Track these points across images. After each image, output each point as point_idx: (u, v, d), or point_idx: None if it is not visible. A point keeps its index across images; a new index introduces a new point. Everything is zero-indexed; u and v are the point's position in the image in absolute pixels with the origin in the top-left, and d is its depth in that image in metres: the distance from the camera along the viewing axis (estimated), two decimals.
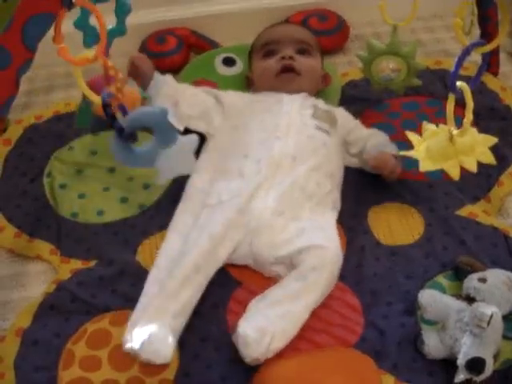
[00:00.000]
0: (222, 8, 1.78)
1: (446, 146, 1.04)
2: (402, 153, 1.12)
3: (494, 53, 1.52)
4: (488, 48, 0.97)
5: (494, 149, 1.33)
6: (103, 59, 0.93)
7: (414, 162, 1.19)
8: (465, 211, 1.30)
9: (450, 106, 1.01)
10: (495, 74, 1.61)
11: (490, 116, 1.47)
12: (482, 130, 1.40)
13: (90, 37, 1.14)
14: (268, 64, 1.43)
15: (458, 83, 0.98)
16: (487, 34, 1.41)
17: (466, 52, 0.96)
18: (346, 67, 1.68)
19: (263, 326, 1.04)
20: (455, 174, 1.05)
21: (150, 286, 1.14)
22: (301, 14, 1.75)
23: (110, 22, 1.20)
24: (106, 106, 0.93)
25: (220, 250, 1.16)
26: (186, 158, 0.99)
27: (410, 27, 1.70)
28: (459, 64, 0.96)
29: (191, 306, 1.11)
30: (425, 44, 1.75)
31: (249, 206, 1.19)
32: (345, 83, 1.60)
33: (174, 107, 1.35)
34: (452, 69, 1.55)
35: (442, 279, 1.18)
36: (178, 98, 1.35)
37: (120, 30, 1.18)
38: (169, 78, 1.37)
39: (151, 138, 0.96)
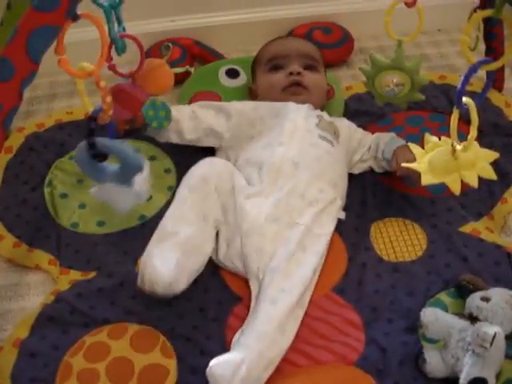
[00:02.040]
0: (226, 19, 1.78)
1: (448, 160, 1.03)
2: (404, 165, 1.11)
3: (499, 69, 1.51)
4: (495, 66, 0.96)
5: (497, 165, 1.33)
6: (97, 77, 0.92)
7: None
8: (468, 228, 1.29)
9: (454, 120, 1.00)
10: (500, 89, 1.61)
11: (493, 132, 1.46)
12: (486, 146, 1.40)
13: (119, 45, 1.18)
14: (275, 78, 1.42)
15: (464, 99, 0.97)
16: (492, 50, 1.41)
17: (473, 70, 0.95)
18: (349, 80, 1.68)
19: (234, 358, 1.02)
20: (456, 188, 1.04)
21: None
22: (305, 27, 1.75)
23: None
24: (91, 118, 0.94)
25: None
26: (124, 201, 1.06)
27: (414, 41, 1.68)
28: (465, 81, 0.95)
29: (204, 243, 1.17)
30: (429, 58, 1.74)
31: (244, 209, 1.19)
32: (348, 97, 1.60)
33: (179, 136, 1.37)
34: (457, 84, 1.57)
35: (444, 297, 1.17)
36: (179, 128, 1.36)
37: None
38: None
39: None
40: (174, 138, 1.38)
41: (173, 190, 1.38)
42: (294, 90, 1.40)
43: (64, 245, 1.28)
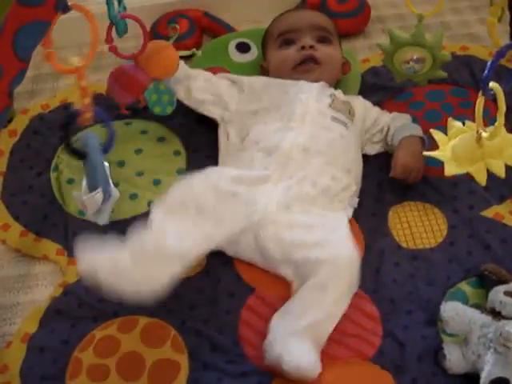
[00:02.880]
0: None
1: (473, 148, 0.97)
2: (426, 153, 1.05)
3: None
4: None
5: None
6: (80, 75, 0.87)
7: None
8: (490, 212, 1.24)
9: (479, 107, 0.93)
10: None
11: None
12: None
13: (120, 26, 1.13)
14: (286, 54, 1.35)
15: (491, 84, 0.90)
16: None
17: (500, 55, 0.88)
18: (366, 52, 1.60)
19: (307, 347, 0.99)
20: (482, 178, 0.98)
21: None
22: None
23: None
24: (69, 115, 0.89)
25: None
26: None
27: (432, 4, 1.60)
28: (492, 67, 0.88)
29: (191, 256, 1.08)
30: (451, 27, 1.65)
31: (254, 199, 1.14)
32: (364, 70, 1.52)
33: (186, 92, 1.32)
34: (479, 56, 1.50)
35: (465, 286, 1.13)
36: (189, 84, 1.32)
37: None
38: (185, 67, 1.33)
39: None
40: (181, 94, 1.34)
41: (183, 173, 1.33)
42: (306, 68, 1.34)
43: (72, 233, 1.24)
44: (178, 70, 1.30)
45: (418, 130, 1.30)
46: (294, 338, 0.99)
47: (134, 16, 1.11)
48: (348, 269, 1.06)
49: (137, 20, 1.12)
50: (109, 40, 1.12)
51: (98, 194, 0.95)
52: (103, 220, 0.99)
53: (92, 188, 0.95)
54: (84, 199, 0.95)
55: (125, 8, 1.12)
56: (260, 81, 1.36)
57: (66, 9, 0.77)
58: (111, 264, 1.00)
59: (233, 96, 1.34)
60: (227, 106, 1.34)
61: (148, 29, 1.58)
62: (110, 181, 1.02)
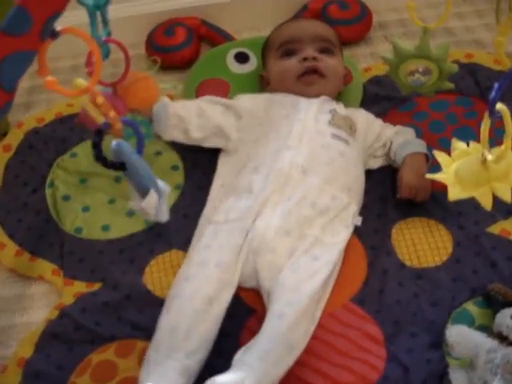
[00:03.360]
0: None
1: (478, 171, 0.93)
2: (429, 176, 1.01)
3: None
4: None
5: None
6: (93, 94, 0.84)
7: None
8: (496, 228, 1.20)
9: (485, 129, 0.89)
10: None
11: None
12: None
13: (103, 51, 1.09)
14: (288, 65, 1.31)
15: (498, 106, 0.87)
16: None
17: (509, 75, 0.85)
18: (368, 59, 1.57)
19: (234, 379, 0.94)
20: (487, 203, 0.94)
21: (161, 318, 1.05)
22: (319, 1, 1.61)
23: None
24: (97, 132, 0.85)
25: (230, 275, 1.08)
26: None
27: (437, 14, 1.56)
28: (500, 89, 0.85)
29: (208, 340, 1.03)
30: (454, 33, 1.61)
31: (253, 224, 1.11)
32: (367, 80, 1.49)
33: (185, 135, 1.28)
34: (484, 64, 1.46)
35: (471, 306, 1.10)
36: (184, 126, 1.27)
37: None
38: (170, 105, 1.27)
39: None
40: (180, 137, 1.29)
41: (181, 189, 1.31)
42: (309, 80, 1.30)
43: (67, 253, 1.23)
44: (168, 115, 1.26)
45: (421, 147, 1.26)
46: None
47: (118, 42, 1.07)
48: (308, 300, 1.03)
49: (120, 46, 1.08)
50: (89, 64, 1.08)
51: (154, 195, 0.91)
52: (164, 217, 0.96)
53: (143, 191, 0.92)
54: (143, 206, 0.91)
55: (109, 33, 1.08)
56: (259, 105, 1.31)
57: (54, 35, 0.74)
58: None
59: (231, 124, 1.29)
60: (229, 136, 1.29)
61: (144, 37, 1.58)
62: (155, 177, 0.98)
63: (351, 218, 1.18)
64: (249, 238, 1.11)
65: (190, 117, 1.28)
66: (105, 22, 1.04)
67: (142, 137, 0.91)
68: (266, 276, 1.09)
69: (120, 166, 0.90)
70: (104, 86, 1.15)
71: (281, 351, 0.98)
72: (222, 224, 1.14)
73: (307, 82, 1.30)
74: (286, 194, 1.14)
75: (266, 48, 1.40)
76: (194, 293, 1.04)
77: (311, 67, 1.30)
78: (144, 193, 0.93)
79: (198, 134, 1.29)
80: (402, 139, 1.27)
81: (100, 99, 0.86)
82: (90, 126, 0.91)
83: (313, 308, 1.05)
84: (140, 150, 0.91)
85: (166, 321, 1.03)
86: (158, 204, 0.93)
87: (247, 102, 1.32)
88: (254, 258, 1.10)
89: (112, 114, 0.85)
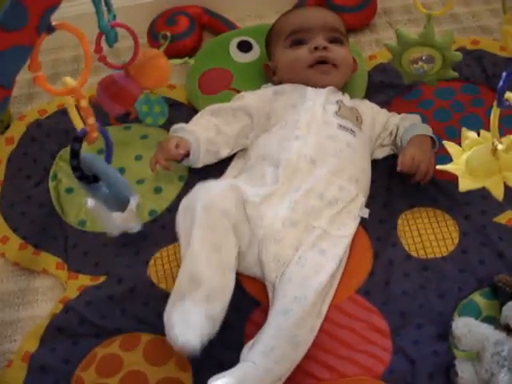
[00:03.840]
0: None
1: (489, 161, 0.92)
2: (440, 167, 1.00)
3: None
4: None
5: None
6: (79, 96, 0.82)
7: (447, 161, 1.08)
8: (504, 218, 1.19)
9: (495, 118, 0.88)
10: None
11: None
12: None
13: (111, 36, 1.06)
14: (298, 54, 1.29)
15: (507, 94, 0.85)
16: None
17: None
18: (372, 47, 1.55)
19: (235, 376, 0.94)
20: (499, 193, 0.94)
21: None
22: None
23: None
24: (75, 138, 0.84)
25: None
26: (114, 224, 0.95)
27: (443, 0, 1.54)
28: (508, 78, 0.83)
29: (225, 286, 1.02)
30: (460, 20, 1.58)
31: (259, 213, 1.10)
32: (371, 68, 1.47)
33: (215, 156, 1.27)
34: (491, 50, 1.44)
35: (477, 297, 1.09)
36: (210, 148, 1.26)
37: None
38: (194, 141, 1.24)
39: None
40: (213, 160, 1.28)
41: (184, 181, 1.30)
42: (323, 69, 1.28)
43: (71, 246, 1.22)
44: (201, 152, 1.24)
45: (427, 130, 1.25)
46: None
47: (125, 25, 1.05)
48: (314, 295, 1.02)
49: (127, 29, 1.07)
50: (98, 49, 1.07)
51: (134, 204, 0.91)
52: (138, 223, 0.96)
53: (121, 201, 0.91)
54: (125, 216, 0.91)
55: (114, 16, 1.06)
56: (265, 102, 1.29)
57: (50, 29, 0.73)
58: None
59: (247, 125, 1.28)
60: (248, 136, 1.28)
61: (146, 26, 1.57)
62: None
63: (359, 209, 1.17)
64: (254, 224, 1.09)
65: (213, 141, 1.26)
66: (109, 7, 1.03)
67: (110, 145, 0.90)
68: (272, 267, 1.08)
69: (94, 179, 0.90)
70: (115, 69, 1.14)
71: (285, 348, 0.98)
72: None
73: (322, 71, 1.28)
74: (294, 185, 1.13)
75: (271, 37, 1.38)
76: (203, 239, 1.02)
77: (322, 57, 1.28)
78: (123, 202, 0.92)
79: (225, 152, 1.28)
80: (407, 124, 1.26)
81: (84, 103, 0.84)
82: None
83: (319, 304, 1.04)
84: (108, 159, 0.91)
85: (183, 269, 1.02)
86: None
87: (252, 99, 1.30)
88: (259, 247, 1.09)
89: (91, 120, 0.83)
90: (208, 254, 1.01)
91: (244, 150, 1.29)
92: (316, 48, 1.28)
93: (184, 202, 1.08)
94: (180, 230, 1.06)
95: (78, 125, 0.84)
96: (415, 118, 1.29)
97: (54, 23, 0.74)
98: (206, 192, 1.06)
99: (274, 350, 0.96)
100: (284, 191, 1.12)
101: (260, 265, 1.10)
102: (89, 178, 0.88)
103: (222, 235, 1.04)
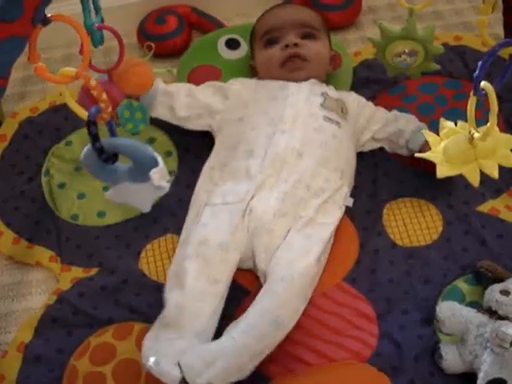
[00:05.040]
0: None
1: (466, 149, 0.96)
2: (418, 155, 1.03)
3: None
4: None
5: None
6: (86, 78, 0.85)
7: None
8: (486, 207, 1.22)
9: (471, 107, 0.92)
10: None
11: None
12: (506, 113, 1.32)
13: (97, 37, 1.06)
14: (271, 53, 1.32)
15: (482, 84, 0.89)
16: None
17: (492, 54, 0.87)
18: (358, 44, 1.57)
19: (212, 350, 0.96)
20: (475, 179, 0.97)
21: (166, 295, 1.07)
22: None
23: None
24: (91, 122, 0.86)
25: (231, 255, 1.10)
26: (145, 198, 1.00)
27: None
28: (483, 67, 0.86)
29: (215, 319, 1.05)
30: (443, 16, 1.62)
31: (249, 206, 1.13)
32: (357, 64, 1.50)
33: (170, 111, 1.30)
34: (473, 46, 1.47)
35: (461, 283, 1.12)
36: (171, 102, 1.29)
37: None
38: (160, 83, 1.30)
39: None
40: (165, 114, 1.31)
41: (174, 175, 1.32)
42: (293, 66, 1.30)
43: (64, 239, 1.24)
44: (157, 90, 1.28)
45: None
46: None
47: (111, 28, 1.07)
48: (300, 276, 1.05)
49: (114, 32, 1.08)
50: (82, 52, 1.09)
51: (161, 161, 0.94)
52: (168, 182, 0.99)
53: (147, 167, 0.94)
54: (161, 169, 0.94)
55: (102, 19, 1.08)
56: (247, 89, 1.32)
57: (45, 21, 0.75)
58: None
59: (217, 105, 1.31)
60: (214, 116, 1.31)
61: (136, 26, 1.59)
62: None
63: (343, 199, 1.20)
64: (246, 219, 1.12)
65: (179, 94, 1.30)
66: (97, 9, 1.04)
67: (112, 123, 0.96)
68: (263, 258, 1.10)
69: (114, 156, 0.93)
70: (99, 73, 1.16)
71: (267, 327, 0.99)
72: (220, 205, 1.15)
73: (291, 67, 1.31)
74: (282, 177, 1.15)
75: (252, 38, 1.41)
76: (199, 273, 1.06)
77: (293, 54, 1.30)
78: (145, 173, 0.94)
79: (183, 113, 1.30)
80: (412, 125, 1.27)
81: (93, 82, 0.87)
82: (88, 108, 0.93)
83: (305, 287, 1.06)
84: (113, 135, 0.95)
85: (173, 299, 1.04)
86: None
87: (237, 84, 1.33)
88: (251, 239, 1.12)
89: (105, 96, 0.86)
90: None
91: (222, 144, 1.29)
92: (287, 46, 1.31)
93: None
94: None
95: (80, 112, 0.86)
96: (414, 119, 1.30)
97: (49, 15, 0.77)
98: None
99: (255, 328, 0.98)
100: (272, 183, 1.15)
101: (252, 255, 1.12)
102: (113, 158, 0.90)
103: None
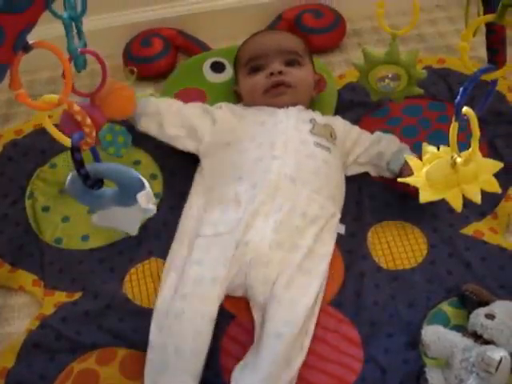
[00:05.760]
0: (210, 5, 1.66)
1: (448, 174, 0.96)
2: (401, 180, 1.04)
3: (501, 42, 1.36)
4: (498, 74, 0.88)
5: (500, 158, 1.26)
6: (68, 104, 0.84)
7: None
8: (470, 229, 1.23)
9: (454, 132, 0.92)
10: (502, 63, 1.48)
11: (496, 120, 1.37)
12: (489, 136, 1.33)
13: (79, 62, 1.05)
14: (255, 81, 1.32)
15: (464, 109, 0.89)
16: (495, 51, 1.28)
17: (474, 80, 0.87)
18: (342, 66, 1.59)
19: None
20: (457, 204, 0.97)
21: (156, 336, 1.05)
22: (294, 10, 1.64)
23: None
24: (75, 149, 0.86)
25: (222, 289, 1.09)
26: (132, 220, 0.99)
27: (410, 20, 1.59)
28: (465, 93, 0.87)
29: (205, 353, 1.04)
30: (427, 39, 1.64)
31: (245, 237, 1.11)
32: (341, 87, 1.50)
33: (159, 129, 1.29)
34: (457, 69, 1.48)
35: (446, 307, 1.12)
36: (160, 119, 1.29)
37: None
38: (152, 97, 1.30)
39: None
40: (153, 130, 1.30)
41: (160, 198, 1.32)
42: (277, 91, 1.30)
43: (48, 263, 1.23)
44: (148, 105, 1.28)
45: (408, 152, 1.26)
46: None
47: (94, 52, 1.06)
48: (301, 316, 1.05)
49: (96, 57, 1.08)
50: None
51: (145, 181, 0.93)
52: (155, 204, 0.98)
53: (133, 191, 0.93)
54: (147, 193, 0.93)
55: (85, 43, 1.08)
56: (234, 114, 1.32)
57: (26, 48, 0.75)
58: None
59: (206, 127, 1.30)
60: (201, 139, 1.30)
61: (121, 48, 1.59)
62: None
63: (336, 226, 1.20)
64: (241, 250, 1.10)
65: (169, 111, 1.29)
66: (79, 33, 1.04)
67: (95, 150, 0.94)
68: (260, 290, 1.09)
69: (99, 182, 0.92)
70: (81, 97, 1.16)
71: (280, 370, 1.00)
72: (212, 237, 1.14)
73: (275, 93, 1.31)
74: (276, 205, 1.14)
75: (236, 63, 1.42)
76: (195, 313, 1.05)
77: (277, 82, 1.31)
78: (131, 197, 0.94)
79: (171, 131, 1.30)
80: (394, 147, 1.28)
81: (76, 107, 0.87)
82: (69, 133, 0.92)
83: (307, 324, 1.06)
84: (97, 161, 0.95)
85: (168, 341, 1.03)
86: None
87: (224, 108, 1.33)
88: (246, 271, 1.10)
89: (89, 121, 0.86)
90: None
91: (209, 168, 1.28)
92: (272, 73, 1.31)
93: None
94: None
95: (62, 139, 0.86)
96: (397, 141, 1.31)
97: (31, 42, 0.77)
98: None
99: (272, 376, 0.99)
100: (267, 212, 1.13)
101: (246, 287, 1.11)
102: (99, 183, 0.90)
103: None
